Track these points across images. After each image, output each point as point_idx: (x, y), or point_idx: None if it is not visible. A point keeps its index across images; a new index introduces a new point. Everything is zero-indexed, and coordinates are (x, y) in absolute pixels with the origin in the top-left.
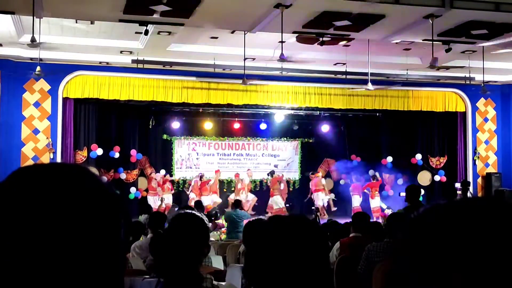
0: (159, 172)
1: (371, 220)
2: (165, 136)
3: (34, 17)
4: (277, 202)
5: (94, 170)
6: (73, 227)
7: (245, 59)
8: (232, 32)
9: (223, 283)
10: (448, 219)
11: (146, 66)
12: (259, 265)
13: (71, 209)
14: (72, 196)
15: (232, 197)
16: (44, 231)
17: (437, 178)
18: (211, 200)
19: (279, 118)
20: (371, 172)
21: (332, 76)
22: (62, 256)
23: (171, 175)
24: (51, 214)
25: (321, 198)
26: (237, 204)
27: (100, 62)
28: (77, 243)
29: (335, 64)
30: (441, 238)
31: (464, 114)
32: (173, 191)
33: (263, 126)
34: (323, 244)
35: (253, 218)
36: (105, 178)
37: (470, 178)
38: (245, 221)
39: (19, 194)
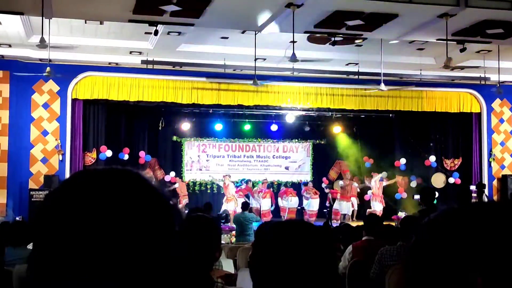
0: (168, 174)
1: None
2: (174, 138)
3: (43, 17)
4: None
5: (149, 175)
6: (126, 235)
7: (255, 59)
8: (243, 32)
9: None
10: (468, 220)
11: (156, 66)
12: (262, 270)
13: (126, 216)
14: (129, 202)
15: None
16: (97, 237)
17: (451, 180)
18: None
19: (290, 119)
20: (383, 174)
21: (344, 76)
22: (112, 264)
23: (181, 177)
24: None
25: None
26: (245, 206)
27: (109, 63)
28: (128, 251)
29: (347, 64)
30: (460, 240)
31: (479, 115)
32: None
33: (274, 127)
34: (328, 251)
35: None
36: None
37: (485, 181)
38: (254, 224)
39: (76, 197)
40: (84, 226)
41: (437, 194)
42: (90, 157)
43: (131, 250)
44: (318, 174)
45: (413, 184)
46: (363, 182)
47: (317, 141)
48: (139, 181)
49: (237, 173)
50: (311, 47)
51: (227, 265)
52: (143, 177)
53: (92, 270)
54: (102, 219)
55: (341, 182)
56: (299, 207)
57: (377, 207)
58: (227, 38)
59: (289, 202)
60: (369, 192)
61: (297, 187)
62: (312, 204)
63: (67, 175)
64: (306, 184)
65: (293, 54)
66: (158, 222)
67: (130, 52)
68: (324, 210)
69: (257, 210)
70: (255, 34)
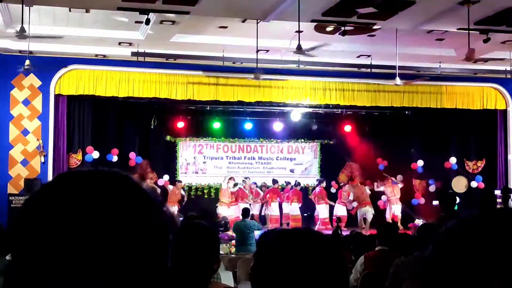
0: (162, 178)
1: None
2: (168, 137)
3: (23, 5)
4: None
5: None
6: (114, 244)
7: (257, 51)
8: (243, 21)
9: None
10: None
11: (148, 59)
12: (264, 284)
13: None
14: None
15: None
16: (81, 248)
17: (474, 184)
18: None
19: (296, 117)
20: (399, 177)
21: (356, 70)
22: (98, 277)
23: (175, 181)
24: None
25: (369, 211)
26: (246, 213)
27: (96, 55)
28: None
29: (358, 57)
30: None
31: (504, 112)
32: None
33: (278, 126)
34: (338, 262)
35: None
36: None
37: (511, 185)
38: (256, 232)
39: (59, 202)
40: (68, 234)
41: (458, 200)
42: (75, 159)
43: (118, 261)
44: (327, 177)
45: (432, 188)
46: (378, 186)
47: (326, 141)
48: (129, 185)
49: (237, 176)
50: (319, 38)
51: (226, 278)
52: (133, 180)
53: (77, 284)
54: (87, 227)
55: (347, 187)
56: (305, 214)
57: (397, 209)
58: (226, 27)
59: (290, 209)
60: (383, 197)
61: (302, 193)
62: (321, 211)
63: (50, 179)
64: (321, 183)
65: (299, 45)
66: (149, 231)
67: (119, 43)
68: (333, 217)
69: (258, 217)
70: (257, 23)
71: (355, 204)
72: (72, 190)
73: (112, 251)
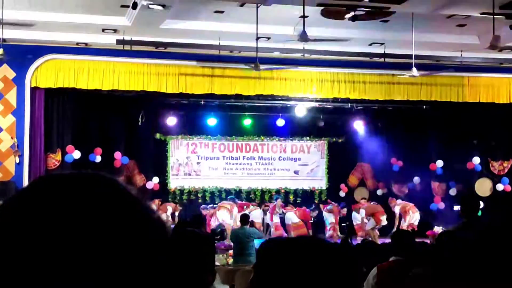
0: (151, 180)
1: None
2: (158, 135)
3: None
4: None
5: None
6: (98, 256)
7: (257, 38)
8: (242, 5)
9: None
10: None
11: (135, 47)
12: None
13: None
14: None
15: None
16: (61, 259)
17: (499, 187)
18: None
19: (301, 112)
20: (416, 179)
21: (367, 59)
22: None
23: (165, 184)
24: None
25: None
26: (245, 220)
27: (77, 43)
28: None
29: (370, 45)
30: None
31: None
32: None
33: (280, 122)
34: (348, 275)
35: (269, 237)
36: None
37: None
38: (256, 241)
39: (38, 209)
40: (47, 245)
41: (481, 204)
42: (54, 159)
43: (104, 273)
44: (335, 179)
45: (452, 191)
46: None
47: (334, 139)
48: (115, 189)
49: (235, 178)
50: (326, 23)
51: None
52: (121, 185)
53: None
54: (68, 236)
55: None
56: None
57: (415, 216)
58: (222, 12)
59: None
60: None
61: (308, 197)
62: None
63: (26, 181)
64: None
65: (304, 32)
66: (138, 241)
67: (103, 30)
68: (343, 225)
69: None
70: (257, 7)
71: (371, 223)
72: (52, 196)
73: (98, 263)
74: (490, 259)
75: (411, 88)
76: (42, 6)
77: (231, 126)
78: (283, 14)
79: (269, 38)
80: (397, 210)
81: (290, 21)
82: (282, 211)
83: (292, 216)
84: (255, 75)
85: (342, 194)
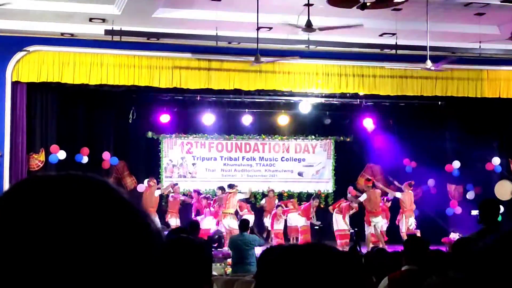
0: (142, 183)
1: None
2: (150, 134)
3: None
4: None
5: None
6: (87, 264)
7: (258, 28)
8: None
9: None
10: None
11: (125, 38)
12: None
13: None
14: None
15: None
16: (48, 267)
17: None
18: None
19: (305, 108)
20: (430, 181)
21: (378, 51)
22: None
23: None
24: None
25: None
26: (244, 226)
27: (62, 34)
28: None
29: (381, 35)
30: None
31: None
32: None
33: (283, 120)
34: (356, 285)
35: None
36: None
37: None
38: (257, 249)
39: (22, 214)
40: (32, 252)
41: (502, 209)
42: (37, 160)
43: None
44: (343, 182)
45: (470, 195)
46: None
47: (341, 138)
48: (106, 192)
49: (233, 180)
50: (332, 12)
51: None
52: (111, 186)
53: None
54: (55, 243)
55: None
56: (316, 227)
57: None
58: (219, 0)
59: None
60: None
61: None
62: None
63: (7, 184)
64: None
65: (309, 21)
66: (129, 247)
67: (90, 20)
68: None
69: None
70: None
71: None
72: (39, 200)
73: (87, 270)
74: (510, 269)
75: (425, 83)
76: None
77: (230, 124)
78: (286, 2)
79: (271, 28)
80: (398, 195)
81: (293, 9)
82: (284, 218)
83: (296, 218)
84: (255, 69)
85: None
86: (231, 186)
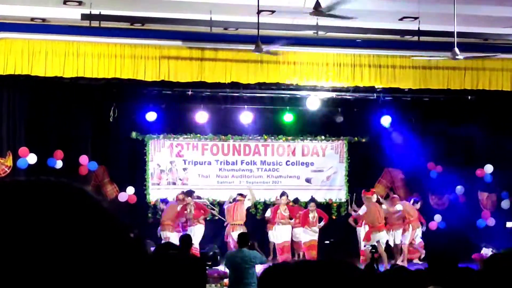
0: (125, 191)
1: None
2: (134, 135)
3: None
4: None
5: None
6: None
7: (259, 12)
8: None
9: None
10: None
11: (104, 24)
12: None
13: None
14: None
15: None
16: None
17: None
18: None
19: (314, 105)
20: (459, 189)
21: (397, 38)
22: None
23: (143, 195)
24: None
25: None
26: (243, 240)
27: (32, 19)
28: None
29: (401, 19)
30: None
31: None
32: None
33: (288, 117)
34: None
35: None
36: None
37: None
38: (258, 267)
39: None
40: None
41: None
42: (3, 165)
43: None
44: (358, 189)
45: (505, 204)
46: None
47: (356, 138)
48: (83, 200)
49: (231, 188)
50: None
51: None
52: (89, 194)
53: None
54: (25, 257)
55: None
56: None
57: (417, 232)
58: None
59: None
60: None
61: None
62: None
63: None
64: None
65: (318, 2)
66: (109, 265)
67: (65, 2)
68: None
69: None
70: None
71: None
72: (4, 208)
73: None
74: None
75: (452, 74)
76: None
77: (226, 123)
78: None
79: (273, 12)
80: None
81: None
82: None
83: (302, 233)
84: (256, 58)
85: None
86: (241, 195)
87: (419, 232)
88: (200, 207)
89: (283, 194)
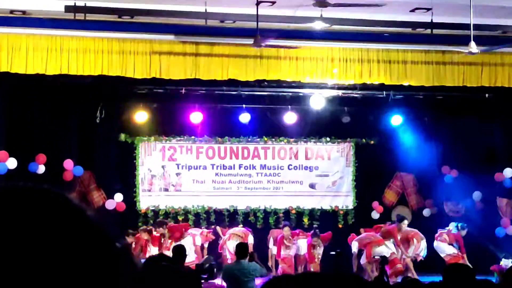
0: (113, 198)
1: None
2: (123, 137)
3: None
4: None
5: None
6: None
7: (258, 3)
8: None
9: None
10: None
11: (90, 17)
12: None
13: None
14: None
15: None
16: None
17: None
18: None
19: (318, 104)
20: (476, 194)
21: (409, 31)
22: None
23: (133, 203)
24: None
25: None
26: (242, 251)
27: (11, 12)
28: None
29: (413, 11)
30: None
31: None
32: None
33: (290, 117)
34: None
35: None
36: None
37: None
38: (258, 280)
39: None
40: None
41: None
42: None
43: None
44: (366, 196)
45: None
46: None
47: (364, 140)
48: (65, 208)
49: (228, 195)
50: None
51: None
52: (71, 201)
53: None
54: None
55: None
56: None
57: (421, 246)
58: None
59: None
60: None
61: (328, 221)
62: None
63: None
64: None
65: None
66: (94, 278)
67: None
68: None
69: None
70: None
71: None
72: None
73: None
74: None
75: (469, 70)
76: None
77: (223, 124)
78: None
79: (274, 3)
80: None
81: None
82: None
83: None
84: (255, 54)
85: (375, 215)
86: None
87: (423, 245)
88: (175, 229)
89: (285, 225)
